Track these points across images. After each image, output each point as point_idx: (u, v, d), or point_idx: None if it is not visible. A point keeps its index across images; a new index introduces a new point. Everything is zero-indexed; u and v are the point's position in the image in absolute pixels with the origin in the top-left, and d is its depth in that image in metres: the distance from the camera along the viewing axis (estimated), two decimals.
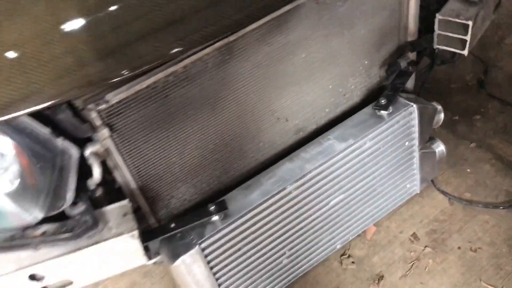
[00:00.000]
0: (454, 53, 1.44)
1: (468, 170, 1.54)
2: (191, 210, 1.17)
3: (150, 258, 1.07)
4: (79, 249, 0.90)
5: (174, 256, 1.08)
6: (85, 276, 0.95)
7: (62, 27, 0.79)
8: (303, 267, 1.34)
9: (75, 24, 0.79)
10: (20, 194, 0.85)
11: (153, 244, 1.14)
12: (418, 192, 1.45)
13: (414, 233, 1.43)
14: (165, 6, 0.84)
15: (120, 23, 0.82)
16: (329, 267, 1.39)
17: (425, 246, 1.38)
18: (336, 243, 1.37)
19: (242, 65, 1.06)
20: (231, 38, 0.98)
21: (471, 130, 1.65)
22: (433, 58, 1.50)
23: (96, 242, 0.91)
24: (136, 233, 0.94)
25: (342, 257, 1.41)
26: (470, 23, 1.18)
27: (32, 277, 0.91)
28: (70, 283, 0.95)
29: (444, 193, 1.49)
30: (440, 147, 1.45)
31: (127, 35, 0.82)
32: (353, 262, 1.39)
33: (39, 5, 0.79)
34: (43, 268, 0.90)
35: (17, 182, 0.84)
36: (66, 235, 0.90)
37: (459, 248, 1.36)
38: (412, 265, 1.35)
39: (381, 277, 1.34)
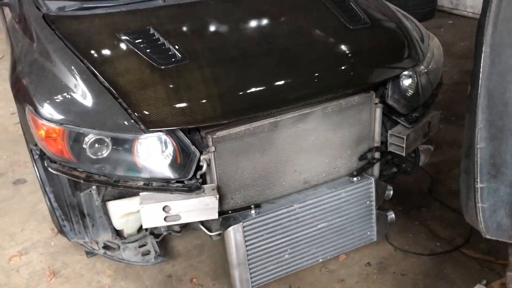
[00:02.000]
0: (413, 166, 2.47)
1: (410, 235, 2.43)
2: (238, 210, 2.12)
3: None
4: (191, 197, 1.88)
5: (228, 226, 2.02)
6: (189, 215, 1.91)
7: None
8: (296, 266, 2.21)
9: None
10: (172, 165, 1.87)
11: (216, 224, 2.10)
12: (375, 240, 2.35)
13: (368, 262, 2.29)
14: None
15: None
16: (313, 271, 2.25)
17: (372, 268, 2.24)
18: (319, 257, 2.25)
19: (283, 134, 2.09)
20: (285, 116, 2.03)
21: (418, 212, 2.57)
22: (398, 167, 2.53)
23: (199, 195, 1.88)
24: (217, 196, 1.90)
25: (321, 267, 2.27)
26: (404, 137, 2.21)
27: (164, 208, 1.88)
28: (179, 217, 1.90)
29: (391, 244, 2.38)
30: (391, 214, 2.38)
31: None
32: (327, 271, 2.25)
33: None
34: (172, 204, 1.87)
35: (171, 159, 1.87)
36: (186, 189, 1.88)
37: (394, 273, 2.21)
38: (366, 277, 2.20)
39: (342, 280, 2.19)
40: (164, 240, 2.45)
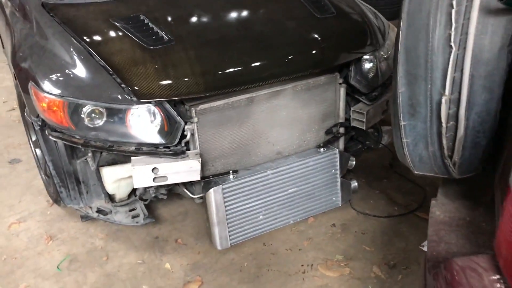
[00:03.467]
0: (376, 143, 2.78)
1: (371, 201, 2.74)
2: (218, 175, 2.40)
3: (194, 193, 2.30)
4: (177, 161, 2.15)
5: (209, 189, 2.30)
6: (175, 176, 2.18)
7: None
8: (270, 226, 2.50)
9: None
10: (160, 133, 2.14)
11: (198, 188, 2.38)
12: (340, 205, 2.65)
13: (333, 223, 2.59)
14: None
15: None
16: (284, 231, 2.54)
17: (336, 228, 2.54)
18: (290, 219, 2.54)
19: (258, 109, 2.38)
20: (260, 92, 2.31)
21: (380, 183, 2.88)
22: (363, 143, 2.84)
23: (184, 159, 2.16)
24: (199, 160, 2.18)
25: (292, 228, 2.56)
26: (364, 113, 2.51)
27: (153, 170, 2.15)
28: (166, 178, 2.17)
29: (354, 208, 2.68)
30: (354, 183, 2.68)
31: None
32: (297, 231, 2.54)
33: None
34: (160, 166, 2.14)
35: (159, 128, 2.14)
36: (173, 154, 2.15)
37: (355, 232, 2.52)
38: (331, 235, 2.49)
39: (310, 238, 2.48)
40: (150, 208, 2.71)
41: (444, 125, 1.27)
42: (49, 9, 2.50)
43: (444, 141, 1.30)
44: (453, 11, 1.15)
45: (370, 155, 3.08)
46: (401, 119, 1.32)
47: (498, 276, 1.04)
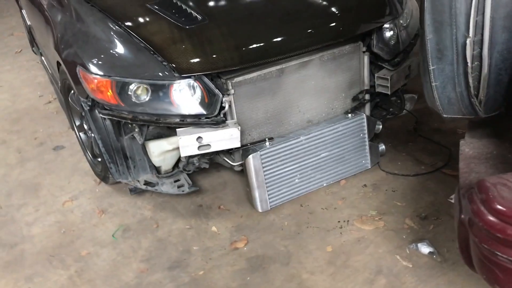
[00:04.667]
0: (400, 109, 2.93)
1: (399, 163, 2.90)
2: (255, 143, 2.57)
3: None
4: (218, 129, 2.33)
5: (248, 155, 2.48)
6: (217, 144, 2.36)
7: None
8: (305, 189, 2.67)
9: None
10: (201, 104, 2.32)
11: (237, 156, 2.56)
12: (369, 167, 2.81)
13: (364, 184, 2.75)
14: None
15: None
16: (319, 193, 2.71)
17: (368, 188, 2.70)
18: (323, 182, 2.71)
19: (289, 79, 2.54)
20: (290, 64, 2.48)
21: (405, 146, 3.03)
22: (387, 110, 2.99)
23: (224, 128, 2.34)
24: (239, 127, 2.35)
25: (325, 190, 2.73)
26: (388, 77, 2.66)
27: (197, 139, 2.34)
28: (209, 146, 2.35)
29: (383, 170, 2.84)
30: (382, 146, 2.85)
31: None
32: (331, 193, 2.71)
33: None
34: (204, 135, 2.33)
35: (200, 100, 2.32)
36: (214, 123, 2.33)
37: (386, 190, 2.68)
38: (363, 194, 2.66)
39: (343, 198, 2.65)
40: (192, 180, 2.89)
41: (469, 65, 1.42)
42: None
43: (471, 81, 1.45)
44: None
45: (394, 122, 3.22)
46: (430, 63, 1.47)
47: None
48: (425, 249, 2.24)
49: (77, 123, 3.14)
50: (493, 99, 1.48)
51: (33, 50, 5.33)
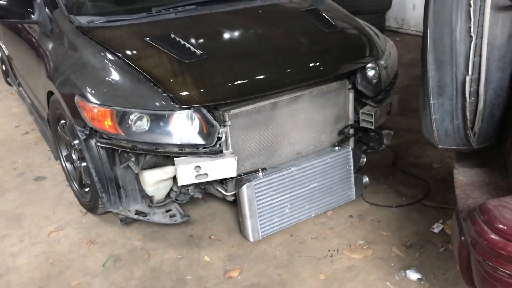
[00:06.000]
0: (379, 144, 3.10)
1: (381, 195, 3.04)
2: (248, 173, 2.65)
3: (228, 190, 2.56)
4: (215, 158, 2.40)
5: (242, 185, 2.55)
6: (214, 173, 2.42)
7: None
8: (295, 219, 2.75)
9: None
10: (200, 134, 2.40)
11: (230, 186, 2.63)
12: (354, 198, 2.93)
13: (350, 215, 2.87)
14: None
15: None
16: (307, 223, 2.80)
17: (354, 218, 2.81)
18: (311, 212, 2.81)
19: (281, 112, 2.66)
20: (282, 98, 2.61)
21: (386, 179, 3.18)
22: (367, 144, 3.15)
23: (221, 157, 2.41)
24: (236, 157, 2.43)
25: (314, 220, 2.82)
26: (372, 113, 2.83)
27: (195, 168, 2.40)
28: (206, 175, 2.41)
29: (367, 201, 2.97)
30: (366, 178, 2.98)
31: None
32: (319, 223, 2.81)
33: None
34: (202, 164, 2.39)
35: (198, 130, 2.40)
36: (212, 153, 2.41)
37: (371, 220, 2.80)
38: (350, 224, 2.76)
39: (332, 228, 2.75)
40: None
41: (468, 100, 1.58)
42: (85, 31, 2.76)
43: (468, 114, 1.60)
44: (471, 9, 1.48)
45: (373, 156, 3.39)
46: (431, 98, 1.62)
47: None
48: (413, 275, 2.35)
49: (64, 153, 3.14)
50: (486, 131, 1.64)
51: (7, 81, 5.28)
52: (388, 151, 3.44)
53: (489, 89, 1.56)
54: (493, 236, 1.36)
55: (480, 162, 1.83)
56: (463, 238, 1.53)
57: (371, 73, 2.94)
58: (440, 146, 1.75)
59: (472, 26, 1.50)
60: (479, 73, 1.54)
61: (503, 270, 1.37)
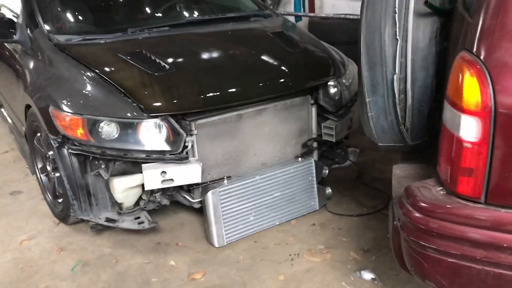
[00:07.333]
0: (343, 159, 3.26)
1: (344, 205, 3.18)
2: (214, 181, 2.78)
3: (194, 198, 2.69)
4: (181, 164, 2.54)
5: (207, 192, 2.68)
6: (180, 178, 2.55)
7: None
8: (259, 226, 2.87)
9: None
10: (166, 141, 2.54)
11: (197, 194, 2.75)
12: (317, 208, 3.07)
13: (313, 223, 2.99)
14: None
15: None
16: (271, 231, 2.91)
17: (316, 226, 2.93)
18: (276, 220, 2.93)
19: (246, 124, 2.82)
20: (247, 110, 2.77)
21: (349, 192, 3.33)
22: (332, 159, 3.31)
23: (187, 164, 2.55)
24: (200, 164, 2.57)
25: (278, 228, 2.94)
26: (333, 127, 3.00)
27: (161, 173, 2.53)
28: (172, 180, 2.54)
29: (329, 211, 3.10)
30: (329, 189, 3.13)
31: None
32: (283, 230, 2.92)
33: None
34: (168, 169, 2.52)
35: (165, 137, 2.55)
36: (178, 159, 2.54)
37: (333, 228, 2.92)
38: (312, 232, 2.88)
39: (294, 235, 2.87)
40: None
41: (397, 97, 1.75)
42: (62, 48, 2.94)
43: (398, 111, 1.77)
44: (396, 15, 1.68)
45: (339, 172, 3.54)
46: (366, 96, 1.79)
47: (440, 188, 1.49)
48: (367, 275, 2.47)
49: (40, 165, 3.25)
50: (417, 127, 1.80)
51: None
52: (353, 167, 3.59)
53: (415, 87, 1.74)
54: (416, 214, 1.51)
55: (419, 159, 1.99)
56: (395, 222, 1.67)
57: (333, 90, 3.13)
58: (380, 144, 1.91)
59: (397, 30, 1.69)
60: (405, 73, 1.72)
61: (428, 245, 1.50)
